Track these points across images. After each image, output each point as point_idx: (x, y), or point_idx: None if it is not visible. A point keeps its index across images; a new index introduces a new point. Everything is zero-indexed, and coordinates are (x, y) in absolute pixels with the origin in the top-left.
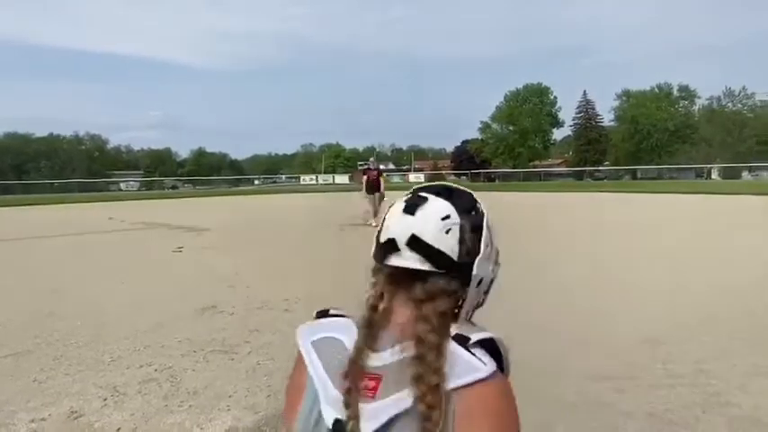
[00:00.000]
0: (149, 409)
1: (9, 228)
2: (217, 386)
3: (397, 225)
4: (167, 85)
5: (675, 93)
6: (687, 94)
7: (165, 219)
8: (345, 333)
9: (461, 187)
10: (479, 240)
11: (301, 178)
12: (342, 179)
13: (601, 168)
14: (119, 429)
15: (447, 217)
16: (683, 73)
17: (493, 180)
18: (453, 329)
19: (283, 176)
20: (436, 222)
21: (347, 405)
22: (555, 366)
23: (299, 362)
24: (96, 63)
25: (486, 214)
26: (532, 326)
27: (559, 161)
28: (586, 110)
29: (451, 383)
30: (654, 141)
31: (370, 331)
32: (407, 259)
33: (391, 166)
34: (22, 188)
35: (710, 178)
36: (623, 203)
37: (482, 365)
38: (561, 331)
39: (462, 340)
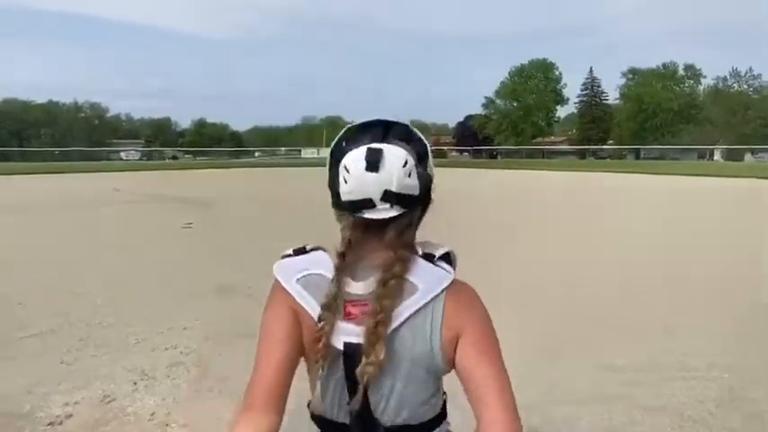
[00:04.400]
0: (180, 394)
1: (13, 198)
2: (244, 370)
3: (368, 185)
4: (168, 53)
5: (681, 72)
6: (693, 73)
7: (170, 191)
8: (323, 266)
9: (396, 120)
10: (428, 167)
11: (302, 152)
12: None
13: (604, 147)
14: (153, 414)
15: (405, 163)
16: (691, 53)
17: (495, 157)
18: (418, 248)
19: (283, 149)
20: (399, 172)
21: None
22: (572, 356)
23: (279, 295)
24: (96, 29)
25: (423, 138)
26: (553, 318)
27: (563, 139)
28: (592, 87)
29: (430, 295)
30: (658, 121)
31: (344, 271)
32: (381, 212)
33: None
34: (22, 156)
35: (712, 159)
36: (615, 188)
37: (448, 274)
38: (580, 320)
39: (430, 258)
